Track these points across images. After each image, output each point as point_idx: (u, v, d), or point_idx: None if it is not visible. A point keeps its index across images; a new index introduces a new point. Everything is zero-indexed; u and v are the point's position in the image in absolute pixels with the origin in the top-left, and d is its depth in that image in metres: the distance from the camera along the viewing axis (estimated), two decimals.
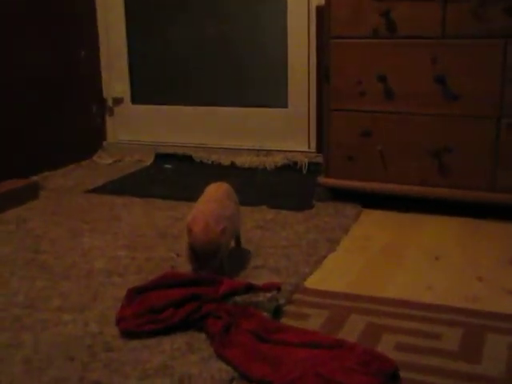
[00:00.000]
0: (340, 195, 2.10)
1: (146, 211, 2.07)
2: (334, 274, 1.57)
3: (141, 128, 2.91)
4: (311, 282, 1.51)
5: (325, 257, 1.67)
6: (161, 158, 2.80)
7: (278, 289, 1.35)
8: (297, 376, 1.07)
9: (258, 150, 2.67)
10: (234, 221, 1.55)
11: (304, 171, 2.54)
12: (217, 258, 1.41)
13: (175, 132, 2.84)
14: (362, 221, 1.97)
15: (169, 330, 1.24)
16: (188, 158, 2.75)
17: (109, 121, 2.96)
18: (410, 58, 1.92)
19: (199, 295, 1.29)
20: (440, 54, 1.88)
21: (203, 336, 1.23)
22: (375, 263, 1.64)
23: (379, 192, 2.04)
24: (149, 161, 2.79)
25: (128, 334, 1.23)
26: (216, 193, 1.57)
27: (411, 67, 1.92)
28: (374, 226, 1.93)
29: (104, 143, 2.95)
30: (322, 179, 2.12)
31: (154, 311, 1.27)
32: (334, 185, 2.10)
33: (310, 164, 2.54)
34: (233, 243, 1.65)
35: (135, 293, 1.33)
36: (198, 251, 1.39)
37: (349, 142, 2.05)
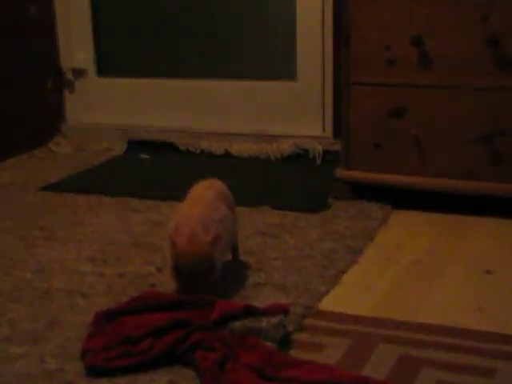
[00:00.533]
0: (364, 192, 2.10)
1: (117, 214, 2.07)
2: (357, 293, 1.58)
3: (109, 108, 2.91)
4: (327, 303, 1.52)
5: (344, 271, 1.67)
6: (135, 145, 2.80)
7: (286, 312, 1.35)
8: None
9: (260, 136, 2.67)
10: (229, 226, 1.55)
11: (318, 162, 2.55)
12: (210, 278, 1.41)
13: (153, 113, 2.84)
14: (392, 225, 1.97)
15: (147, 366, 1.24)
16: (170, 146, 2.75)
17: (68, 98, 2.96)
18: (454, 14, 1.91)
19: (186, 321, 1.29)
20: (493, 9, 1.88)
21: (191, 373, 1.23)
22: (408, 279, 1.64)
23: (414, 188, 2.04)
24: (120, 149, 2.80)
25: (95, 372, 1.23)
26: (204, 193, 1.58)
27: (455, 27, 1.92)
28: (406, 231, 1.93)
29: (63, 127, 2.95)
30: (340, 172, 2.12)
31: (129, 342, 1.27)
32: (356, 179, 2.10)
33: (325, 153, 2.54)
34: (228, 255, 1.65)
35: (104, 318, 1.34)
36: (183, 270, 1.40)
37: (375, 125, 2.05)
